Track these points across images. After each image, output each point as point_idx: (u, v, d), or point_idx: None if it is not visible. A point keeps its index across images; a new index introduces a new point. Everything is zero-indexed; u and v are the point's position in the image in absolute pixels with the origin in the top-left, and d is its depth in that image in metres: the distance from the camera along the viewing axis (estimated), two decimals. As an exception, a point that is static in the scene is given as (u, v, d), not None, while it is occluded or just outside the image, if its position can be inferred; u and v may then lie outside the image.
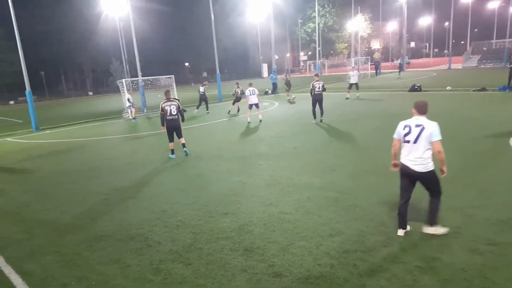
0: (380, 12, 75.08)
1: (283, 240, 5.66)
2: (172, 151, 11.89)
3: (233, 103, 22.40)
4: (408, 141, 5.38)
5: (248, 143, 13.43)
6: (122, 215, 7.22)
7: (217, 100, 31.10)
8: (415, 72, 49.36)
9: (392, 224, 5.86)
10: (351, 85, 24.91)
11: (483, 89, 23.27)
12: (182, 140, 11.95)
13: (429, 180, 5.39)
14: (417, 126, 5.32)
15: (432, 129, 5.20)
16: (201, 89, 23.52)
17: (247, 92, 17.75)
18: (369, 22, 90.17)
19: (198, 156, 11.88)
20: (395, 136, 5.61)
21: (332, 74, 61.74)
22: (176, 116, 11.49)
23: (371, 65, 50.60)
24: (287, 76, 29.41)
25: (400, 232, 5.56)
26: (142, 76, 28.15)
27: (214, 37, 31.14)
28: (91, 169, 11.34)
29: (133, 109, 22.86)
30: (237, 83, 23.00)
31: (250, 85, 17.98)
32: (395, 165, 5.68)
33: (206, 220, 6.62)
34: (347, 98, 24.26)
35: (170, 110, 11.37)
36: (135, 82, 28.60)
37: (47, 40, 63.38)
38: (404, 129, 5.45)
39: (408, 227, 5.62)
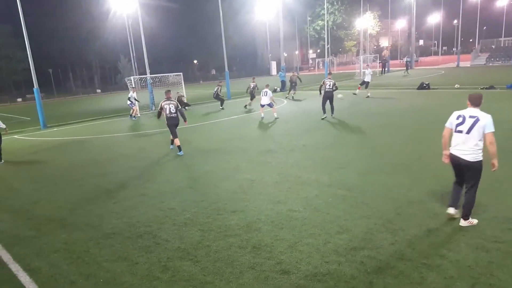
0: (389, 9, 74.51)
1: (291, 238, 5.66)
2: (179, 148, 12.11)
3: (251, 99, 23.37)
4: (460, 131, 5.50)
5: (257, 140, 13.44)
6: (130, 212, 7.26)
7: (226, 98, 31.07)
8: (424, 70, 49.04)
9: (400, 222, 5.86)
10: (366, 83, 24.50)
11: (492, 87, 23.07)
12: (177, 142, 12.24)
13: (474, 169, 5.48)
14: (471, 117, 5.43)
15: (486, 120, 5.31)
16: (215, 88, 24.47)
17: (261, 93, 18.26)
18: (378, 20, 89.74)
19: (207, 154, 11.91)
20: (447, 125, 5.73)
21: (341, 72, 61.51)
22: (175, 114, 11.98)
23: (379, 63, 50.42)
24: (296, 75, 28.42)
25: (451, 210, 5.73)
26: (151, 74, 28.24)
27: (223, 34, 31.13)
28: (99, 167, 11.41)
29: (134, 107, 22.93)
30: (253, 78, 24.49)
31: (267, 86, 18.53)
32: (447, 156, 5.79)
33: (214, 218, 6.64)
34: (367, 96, 23.75)
35: (169, 108, 11.93)
36: (143, 79, 28.72)
37: (55, 38, 63.67)
38: (457, 118, 5.57)
39: (455, 211, 5.75)
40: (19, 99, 56.60)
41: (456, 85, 26.08)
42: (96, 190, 8.96)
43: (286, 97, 27.11)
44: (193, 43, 78.47)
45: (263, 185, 8.24)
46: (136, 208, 7.45)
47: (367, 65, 31.09)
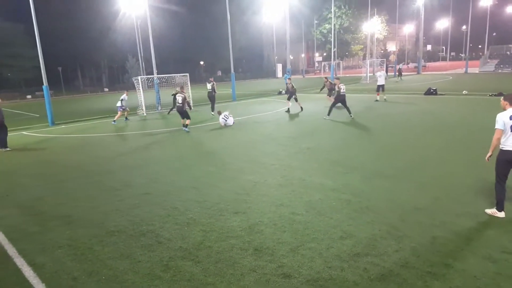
0: (397, 14, 74.39)
1: (293, 241, 5.63)
2: (183, 125, 16.61)
3: (288, 99, 21.82)
4: None
5: (260, 142, 13.42)
6: (134, 210, 7.27)
7: (231, 99, 31.19)
8: (431, 76, 48.84)
9: (404, 229, 5.81)
10: (378, 87, 23.91)
11: (500, 94, 22.90)
12: (187, 121, 16.57)
13: None
14: None
15: None
16: (208, 86, 22.84)
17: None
18: (385, 24, 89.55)
19: (210, 154, 11.93)
20: (499, 127, 5.97)
21: (347, 75, 61.40)
22: (181, 104, 16.21)
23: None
24: (328, 81, 24.62)
25: (502, 214, 6.05)
26: (158, 74, 28.34)
27: (230, 36, 31.18)
28: (104, 164, 11.45)
29: (120, 112, 21.33)
30: (289, 78, 23.00)
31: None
32: (491, 156, 6.28)
33: (216, 219, 6.63)
34: (376, 101, 23.60)
35: (178, 99, 16.33)
36: (150, 79, 28.82)
37: (65, 36, 64.21)
38: (511, 119, 5.88)
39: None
40: (29, 96, 57.15)
41: (464, 91, 25.93)
42: (101, 188, 8.99)
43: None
44: (200, 44, 78.82)
45: (266, 187, 8.22)
46: (139, 207, 7.46)
47: (380, 67, 30.97)
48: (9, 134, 14.93)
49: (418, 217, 6.23)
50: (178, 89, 17.37)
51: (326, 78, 25.34)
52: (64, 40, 63.97)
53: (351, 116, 17.26)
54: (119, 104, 21.31)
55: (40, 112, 28.63)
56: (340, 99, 17.33)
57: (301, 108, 21.43)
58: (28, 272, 5.22)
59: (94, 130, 19.30)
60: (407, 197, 7.15)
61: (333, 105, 17.72)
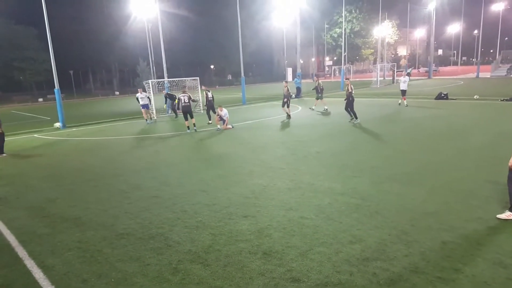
0: (408, 18, 74.09)
1: (302, 245, 5.61)
2: (188, 127, 17.39)
3: (283, 106, 20.63)
4: None
5: (270, 146, 13.41)
6: (144, 213, 7.31)
7: (241, 103, 31.28)
8: (442, 80, 48.48)
9: (414, 233, 5.76)
10: (402, 91, 23.60)
11: (512, 99, 22.67)
12: (193, 120, 17.31)
13: None
14: None
15: None
16: (209, 94, 20.99)
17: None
18: (396, 29, 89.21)
19: (219, 158, 11.95)
20: None
21: (357, 79, 61.15)
22: (188, 103, 16.91)
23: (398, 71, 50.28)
24: (318, 81, 24.34)
25: None
26: (168, 77, 28.51)
27: (240, 40, 31.30)
28: (115, 167, 11.53)
29: (143, 110, 22.48)
30: (286, 82, 21.91)
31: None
32: None
33: (225, 222, 6.63)
34: (406, 106, 22.99)
35: (184, 99, 16.88)
36: (161, 83, 29.01)
37: (77, 40, 65.03)
38: None
39: None
40: (41, 99, 57.84)
41: (476, 96, 25.71)
42: (111, 190, 9.05)
43: (325, 110, 23.24)
44: (210, 48, 79.23)
45: (275, 191, 8.21)
46: (149, 210, 7.50)
47: (406, 72, 31.32)
48: (21, 136, 15.17)
49: (428, 222, 6.18)
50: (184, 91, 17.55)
51: (317, 77, 25.02)
52: (75, 44, 64.78)
53: (357, 120, 17.23)
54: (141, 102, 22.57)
55: (52, 115, 28.94)
56: (352, 99, 17.24)
57: (289, 115, 20.39)
58: (38, 274, 5.26)
59: (104, 133, 19.45)
60: (417, 202, 7.10)
61: (351, 108, 17.40)
